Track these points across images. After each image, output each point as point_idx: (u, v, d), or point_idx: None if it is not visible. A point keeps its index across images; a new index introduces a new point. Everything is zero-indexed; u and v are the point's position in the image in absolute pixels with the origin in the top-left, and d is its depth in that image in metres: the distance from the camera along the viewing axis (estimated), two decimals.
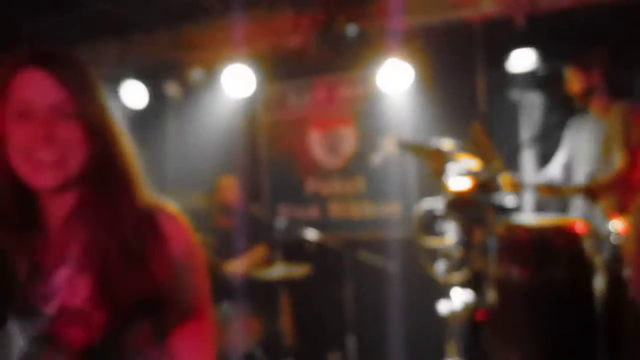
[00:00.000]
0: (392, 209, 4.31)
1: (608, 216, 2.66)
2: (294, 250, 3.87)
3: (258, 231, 3.96)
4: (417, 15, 3.71)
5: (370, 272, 3.79)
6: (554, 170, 3.19)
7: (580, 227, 2.45)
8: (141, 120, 4.52)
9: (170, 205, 1.13)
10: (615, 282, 2.32)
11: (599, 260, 2.42)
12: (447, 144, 2.95)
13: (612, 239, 2.37)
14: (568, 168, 3.11)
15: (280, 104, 4.69)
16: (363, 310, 3.82)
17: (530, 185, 3.10)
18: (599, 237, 2.49)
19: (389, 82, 3.91)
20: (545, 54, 3.71)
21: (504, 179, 2.88)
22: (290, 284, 3.80)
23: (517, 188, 2.96)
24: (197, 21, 4.26)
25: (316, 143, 4.61)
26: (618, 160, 2.82)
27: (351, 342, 3.70)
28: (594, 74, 2.94)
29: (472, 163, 2.87)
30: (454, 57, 3.84)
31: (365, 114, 4.39)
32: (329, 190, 4.56)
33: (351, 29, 3.78)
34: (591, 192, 2.80)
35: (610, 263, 2.35)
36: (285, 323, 3.87)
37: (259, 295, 3.78)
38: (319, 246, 3.79)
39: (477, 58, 3.79)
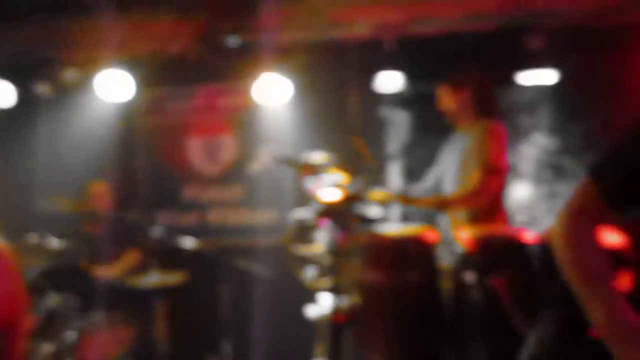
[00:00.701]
0: (268, 216, 4.43)
1: (456, 227, 2.97)
2: (170, 257, 3.85)
3: (130, 237, 3.89)
4: (296, 31, 3.87)
5: (246, 278, 3.87)
6: (427, 183, 3.39)
7: (432, 236, 2.72)
8: (8, 120, 4.26)
9: (1, 243, 1.11)
10: (460, 285, 2.61)
11: (447, 266, 2.70)
12: (319, 157, 3.10)
13: (458, 248, 2.66)
14: (440, 182, 3.33)
15: (159, 110, 4.63)
16: (239, 315, 3.89)
17: (393, 197, 3.34)
18: (449, 246, 2.77)
19: (267, 94, 4.03)
20: (413, 76, 4.02)
21: (371, 191, 3.08)
22: (165, 291, 3.78)
23: (384, 200, 3.17)
24: (72, 18, 4.08)
25: (195, 150, 4.61)
26: (471, 178, 3.10)
27: (227, 347, 3.76)
28: (465, 93, 3.14)
29: (341, 176, 3.05)
30: (329, 74, 4.05)
31: (245, 124, 4.46)
32: (207, 197, 4.58)
33: (232, 40, 3.85)
34: (442, 206, 3.07)
35: (456, 269, 2.64)
36: (160, 330, 3.83)
37: (133, 303, 3.72)
38: (196, 253, 3.80)
39: (350, 76, 4.03)
